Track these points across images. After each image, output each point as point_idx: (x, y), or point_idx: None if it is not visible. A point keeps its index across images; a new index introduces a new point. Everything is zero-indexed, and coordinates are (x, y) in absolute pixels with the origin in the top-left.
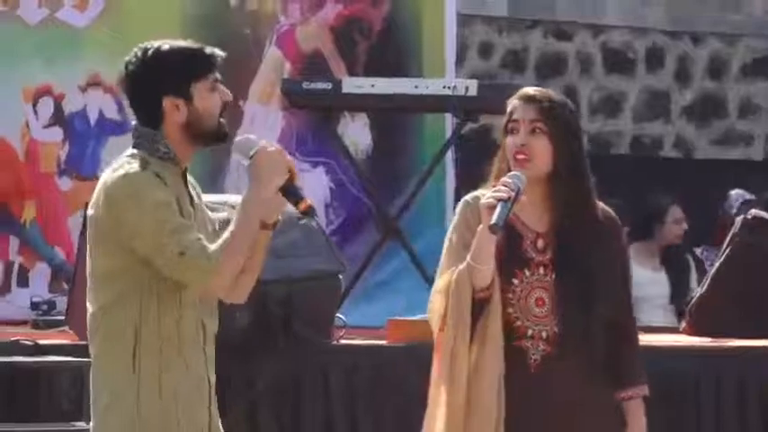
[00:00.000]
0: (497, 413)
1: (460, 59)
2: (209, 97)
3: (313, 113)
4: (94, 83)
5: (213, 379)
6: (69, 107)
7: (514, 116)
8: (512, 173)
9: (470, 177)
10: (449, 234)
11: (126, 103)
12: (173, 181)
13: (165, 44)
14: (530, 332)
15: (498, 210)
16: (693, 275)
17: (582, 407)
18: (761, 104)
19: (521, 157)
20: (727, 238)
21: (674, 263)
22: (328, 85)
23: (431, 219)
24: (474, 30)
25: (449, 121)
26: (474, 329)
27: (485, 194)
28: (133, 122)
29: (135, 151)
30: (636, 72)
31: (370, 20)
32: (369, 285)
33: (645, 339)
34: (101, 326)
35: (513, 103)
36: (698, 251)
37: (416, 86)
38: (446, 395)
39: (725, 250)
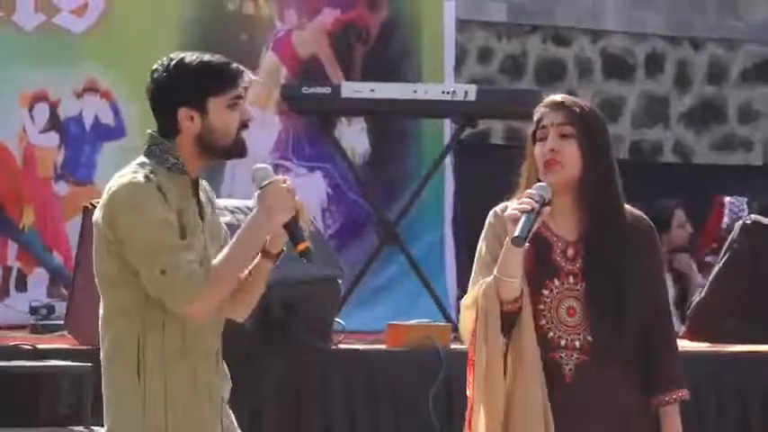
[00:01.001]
0: (546, 423)
1: (459, 65)
2: (225, 113)
3: (310, 118)
4: (91, 88)
5: (225, 390)
6: (65, 112)
7: (543, 123)
8: (537, 184)
9: (469, 182)
10: (479, 245)
11: (123, 109)
12: (179, 193)
13: (192, 55)
14: (563, 342)
15: (522, 222)
16: (695, 278)
17: (620, 413)
18: (760, 110)
19: (551, 161)
20: (726, 244)
21: (678, 268)
22: (327, 90)
23: (429, 223)
24: (473, 35)
25: (447, 126)
26: (507, 344)
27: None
28: (149, 130)
29: (144, 160)
30: (635, 77)
31: (368, 25)
32: (368, 290)
33: None
34: (108, 331)
35: (540, 110)
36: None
37: (415, 91)
38: (483, 415)
39: (724, 255)
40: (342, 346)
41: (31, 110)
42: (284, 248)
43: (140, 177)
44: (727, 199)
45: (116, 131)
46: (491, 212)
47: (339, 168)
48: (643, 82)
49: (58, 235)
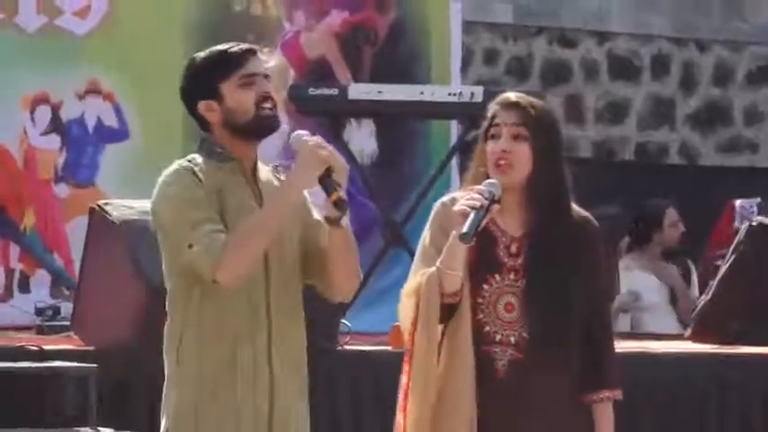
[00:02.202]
0: (471, 417)
1: (466, 66)
2: (238, 93)
3: (318, 119)
4: (93, 90)
5: (285, 379)
6: (67, 114)
7: (496, 121)
8: (487, 181)
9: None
10: (423, 234)
11: (126, 111)
12: (227, 178)
13: (202, 52)
14: (498, 337)
15: (470, 219)
16: (695, 281)
17: (552, 411)
18: (766, 112)
19: (502, 162)
20: (732, 246)
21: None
22: (335, 92)
23: None
24: (479, 37)
25: (454, 127)
26: (443, 334)
27: (461, 197)
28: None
29: (193, 155)
30: (641, 79)
31: (376, 27)
32: (373, 291)
33: (649, 346)
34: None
35: (493, 108)
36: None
37: (422, 93)
38: (416, 401)
39: (730, 257)
40: (348, 347)
41: (32, 112)
42: (341, 206)
43: (175, 166)
44: (738, 202)
45: (119, 133)
46: (437, 203)
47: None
48: (649, 84)
49: (59, 237)
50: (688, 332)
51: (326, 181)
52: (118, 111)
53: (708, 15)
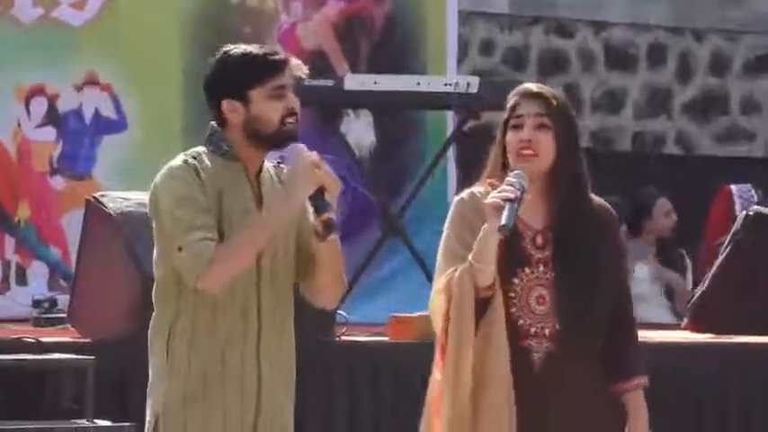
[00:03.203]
0: (509, 414)
1: (462, 56)
2: (267, 103)
3: (315, 110)
4: (91, 81)
5: (273, 380)
6: (64, 106)
7: (518, 111)
8: (515, 172)
9: (472, 174)
10: (445, 232)
11: (124, 102)
12: (229, 178)
13: (237, 48)
14: (533, 330)
15: (507, 210)
16: (690, 272)
17: (586, 402)
18: (763, 101)
19: (528, 152)
20: (729, 235)
21: (670, 259)
22: (330, 83)
23: (432, 216)
24: (475, 27)
25: (450, 118)
26: (477, 330)
27: (481, 191)
28: (212, 122)
29: (199, 148)
30: (638, 69)
31: (372, 17)
32: (371, 282)
33: (646, 336)
34: (154, 309)
35: (514, 98)
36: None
37: (418, 83)
38: (450, 397)
39: (726, 247)
40: (345, 338)
41: (27, 104)
42: (330, 227)
43: (179, 161)
44: (734, 187)
45: (117, 124)
46: (458, 199)
47: (345, 160)
48: (645, 73)
49: (55, 229)
50: (685, 322)
51: (318, 200)
52: (116, 102)
53: (704, 5)
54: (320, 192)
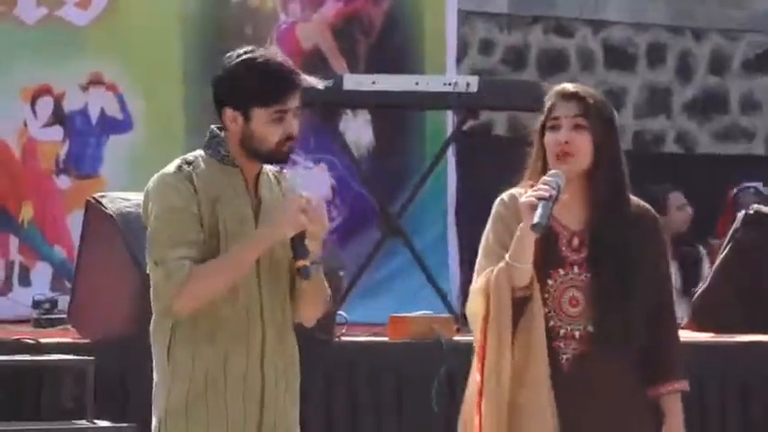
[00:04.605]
0: (551, 415)
1: (461, 56)
2: (267, 126)
3: (314, 110)
4: (96, 81)
5: (271, 375)
6: (70, 106)
7: (555, 113)
8: (552, 171)
9: (472, 173)
10: (485, 233)
11: (129, 101)
12: (227, 183)
13: (253, 57)
14: (562, 332)
15: (540, 209)
16: (706, 267)
17: (617, 406)
18: (762, 100)
19: (563, 152)
20: (729, 234)
21: (685, 255)
22: (329, 82)
23: (432, 215)
24: (475, 26)
25: (450, 117)
26: (515, 330)
27: (521, 193)
28: (212, 125)
29: (197, 151)
30: (637, 68)
31: (371, 17)
32: (370, 283)
33: None
34: (153, 323)
35: (551, 99)
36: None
37: (417, 83)
38: (491, 398)
39: (727, 245)
40: (344, 338)
41: (33, 104)
42: (303, 275)
43: (172, 168)
44: (734, 190)
45: (123, 124)
46: (498, 200)
47: (344, 160)
48: (645, 72)
49: (60, 229)
50: (685, 320)
51: (297, 245)
52: (121, 101)
53: (704, 3)
54: (301, 236)
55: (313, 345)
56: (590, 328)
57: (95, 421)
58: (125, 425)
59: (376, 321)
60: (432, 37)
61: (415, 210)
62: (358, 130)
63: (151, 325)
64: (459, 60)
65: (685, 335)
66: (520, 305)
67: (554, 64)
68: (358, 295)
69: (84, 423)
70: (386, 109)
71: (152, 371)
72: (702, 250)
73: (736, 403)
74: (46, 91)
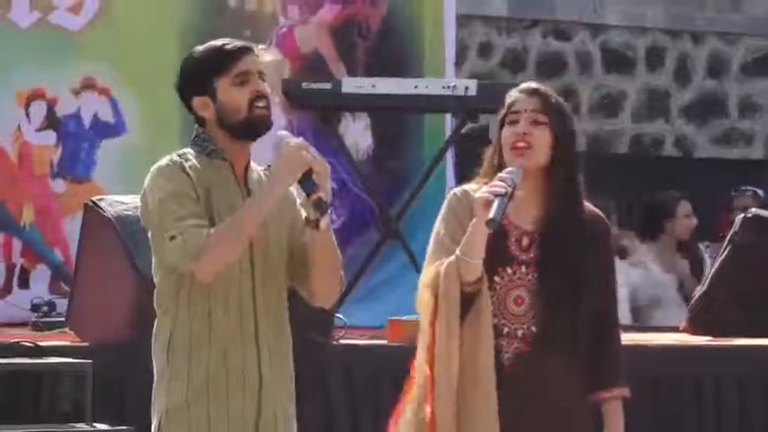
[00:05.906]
0: (495, 408)
1: (460, 60)
2: (232, 91)
3: (313, 113)
4: (89, 85)
5: (268, 375)
6: (63, 110)
7: (515, 108)
8: (508, 169)
9: (469, 176)
10: (436, 227)
11: (123, 105)
12: (216, 176)
13: (199, 46)
14: (505, 330)
15: (495, 205)
16: (707, 266)
17: (557, 408)
18: (761, 104)
19: (521, 144)
20: (727, 237)
21: (692, 260)
22: (328, 86)
23: (431, 218)
24: (473, 30)
25: (448, 120)
26: (462, 325)
27: (474, 189)
28: (196, 126)
29: (185, 149)
30: (636, 71)
31: (369, 20)
32: (368, 285)
33: (645, 339)
34: (156, 325)
35: (512, 95)
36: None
37: (416, 86)
38: (441, 388)
39: (725, 249)
40: (342, 341)
41: (27, 108)
42: (320, 206)
43: (165, 161)
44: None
45: (116, 128)
46: (451, 194)
47: (343, 163)
48: (643, 76)
49: (57, 232)
50: (683, 324)
51: (306, 182)
52: (114, 106)
53: (702, 7)
54: (308, 175)
55: (311, 348)
56: (533, 329)
57: (94, 424)
58: (123, 428)
59: (374, 324)
60: (430, 40)
61: (414, 213)
62: (357, 133)
63: (154, 326)
64: (457, 64)
65: (682, 338)
66: (468, 301)
67: (553, 67)
68: (356, 298)
69: (82, 426)
70: (385, 112)
71: (151, 373)
72: (706, 254)
73: (734, 408)
74: (40, 95)
